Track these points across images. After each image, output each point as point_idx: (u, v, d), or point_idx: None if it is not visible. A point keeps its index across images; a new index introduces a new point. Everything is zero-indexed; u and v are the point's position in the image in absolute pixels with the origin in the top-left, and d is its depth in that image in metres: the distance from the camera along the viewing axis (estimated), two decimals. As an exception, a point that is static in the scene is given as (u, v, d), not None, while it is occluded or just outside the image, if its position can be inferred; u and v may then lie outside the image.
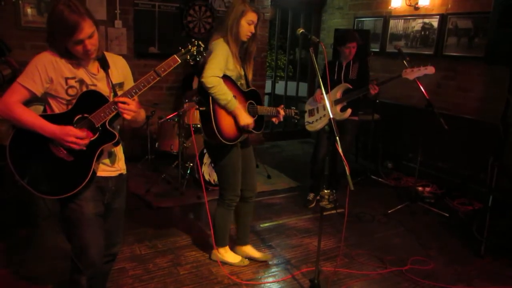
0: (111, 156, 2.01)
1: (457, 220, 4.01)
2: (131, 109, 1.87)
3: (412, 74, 3.71)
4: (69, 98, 1.85)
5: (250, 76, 2.84)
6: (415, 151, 4.25)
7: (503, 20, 3.50)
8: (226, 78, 2.64)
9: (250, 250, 3.12)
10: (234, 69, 2.68)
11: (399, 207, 4.12)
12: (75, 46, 1.77)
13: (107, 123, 1.88)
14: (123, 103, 1.85)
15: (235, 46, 2.64)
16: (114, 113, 1.87)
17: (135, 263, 2.98)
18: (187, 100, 4.46)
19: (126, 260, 3.00)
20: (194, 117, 4.38)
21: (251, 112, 2.81)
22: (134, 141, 5.35)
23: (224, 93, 2.55)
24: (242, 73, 2.78)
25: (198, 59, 2.04)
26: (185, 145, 4.55)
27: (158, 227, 3.55)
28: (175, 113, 4.40)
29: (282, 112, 2.87)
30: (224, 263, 3.00)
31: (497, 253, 3.36)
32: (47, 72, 1.80)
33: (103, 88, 1.92)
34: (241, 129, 2.71)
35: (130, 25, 5.10)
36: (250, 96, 2.84)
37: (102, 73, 1.93)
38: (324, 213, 2.51)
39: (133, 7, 5.07)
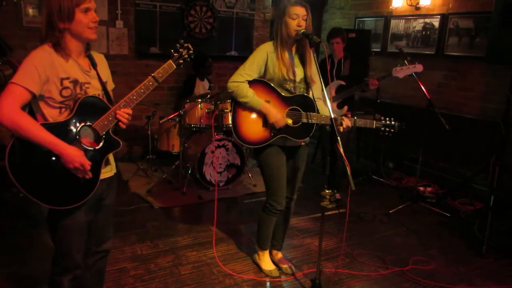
0: (108, 160, 1.97)
1: (458, 220, 4.00)
2: (129, 118, 1.88)
3: (401, 72, 3.80)
4: (62, 99, 1.74)
5: (309, 73, 2.66)
6: (416, 151, 4.25)
7: (504, 20, 3.50)
8: (259, 82, 2.61)
9: (275, 257, 3.08)
10: (275, 73, 2.59)
11: (400, 207, 4.12)
12: (85, 15, 1.73)
13: (110, 131, 1.86)
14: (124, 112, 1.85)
15: (284, 47, 2.59)
16: (116, 121, 1.87)
17: (137, 263, 2.98)
18: (188, 100, 4.46)
19: (127, 260, 3.00)
20: (196, 117, 4.38)
21: (293, 118, 2.64)
22: (135, 141, 5.36)
23: (244, 95, 2.55)
24: (293, 76, 2.63)
25: (188, 60, 2.06)
26: (186, 145, 4.55)
27: (159, 227, 3.56)
28: (176, 113, 4.40)
29: (346, 122, 2.54)
30: (257, 265, 3.02)
31: (498, 253, 3.35)
32: (45, 70, 1.67)
33: (96, 85, 1.87)
34: (272, 133, 2.62)
35: (131, 25, 5.11)
36: (296, 102, 2.63)
37: (93, 71, 1.87)
38: (325, 213, 2.51)
39: (134, 7, 5.07)
